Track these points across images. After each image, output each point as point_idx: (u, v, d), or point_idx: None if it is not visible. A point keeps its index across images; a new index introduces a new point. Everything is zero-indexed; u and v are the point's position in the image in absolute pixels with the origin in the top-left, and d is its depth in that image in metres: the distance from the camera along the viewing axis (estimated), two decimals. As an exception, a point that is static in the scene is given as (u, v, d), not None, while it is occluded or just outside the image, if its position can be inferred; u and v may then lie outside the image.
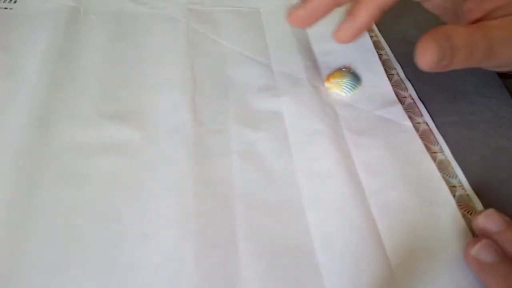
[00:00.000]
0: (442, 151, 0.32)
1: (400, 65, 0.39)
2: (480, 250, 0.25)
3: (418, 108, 0.35)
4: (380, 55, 0.39)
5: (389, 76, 0.37)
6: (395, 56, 0.40)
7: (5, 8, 0.40)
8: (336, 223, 0.27)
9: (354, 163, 0.30)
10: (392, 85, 0.36)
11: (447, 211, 0.28)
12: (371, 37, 0.41)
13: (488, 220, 0.26)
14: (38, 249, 0.25)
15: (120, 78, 0.35)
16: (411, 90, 0.36)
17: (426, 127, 0.33)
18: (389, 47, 0.40)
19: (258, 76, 0.36)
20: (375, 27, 0.43)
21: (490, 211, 0.26)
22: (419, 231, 0.27)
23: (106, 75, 0.35)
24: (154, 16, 0.41)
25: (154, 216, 0.27)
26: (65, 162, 0.29)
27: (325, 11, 0.29)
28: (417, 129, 0.33)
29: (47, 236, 0.25)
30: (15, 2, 0.41)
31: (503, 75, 0.38)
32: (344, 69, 0.37)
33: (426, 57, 0.25)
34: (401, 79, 0.37)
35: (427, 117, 0.34)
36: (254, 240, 0.26)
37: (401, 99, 0.35)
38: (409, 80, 0.37)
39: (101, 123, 0.31)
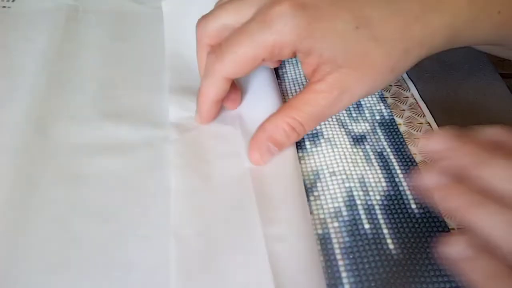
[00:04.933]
0: (444, 151, 0.31)
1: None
2: (453, 246, 0.21)
3: (420, 108, 0.35)
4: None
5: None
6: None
7: (4, 6, 0.40)
8: None
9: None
10: (394, 85, 0.36)
11: None
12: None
13: (434, 141, 0.21)
14: (37, 249, 0.24)
15: (120, 78, 0.35)
16: (413, 90, 0.36)
17: (428, 127, 0.33)
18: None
19: (257, 76, 0.36)
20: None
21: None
22: None
23: (105, 74, 0.35)
24: (154, 16, 0.41)
25: (154, 216, 0.26)
26: (64, 162, 0.29)
27: (217, 109, 0.31)
28: (419, 129, 0.33)
29: (46, 236, 0.25)
30: (13, 0, 0.40)
31: (505, 76, 0.38)
32: None
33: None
34: (403, 79, 0.37)
35: (429, 117, 0.34)
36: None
37: (403, 99, 0.35)
38: (411, 80, 0.37)
39: (100, 123, 0.31)
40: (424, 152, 0.24)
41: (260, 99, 0.33)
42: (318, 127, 0.32)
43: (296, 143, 0.31)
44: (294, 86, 0.35)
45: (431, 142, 0.22)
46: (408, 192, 0.29)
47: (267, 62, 0.29)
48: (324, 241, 0.26)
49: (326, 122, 0.32)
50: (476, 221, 0.19)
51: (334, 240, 0.26)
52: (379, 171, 0.30)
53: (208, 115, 0.31)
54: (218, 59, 0.28)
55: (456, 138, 0.21)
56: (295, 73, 0.36)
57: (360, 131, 0.32)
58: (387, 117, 0.33)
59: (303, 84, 0.35)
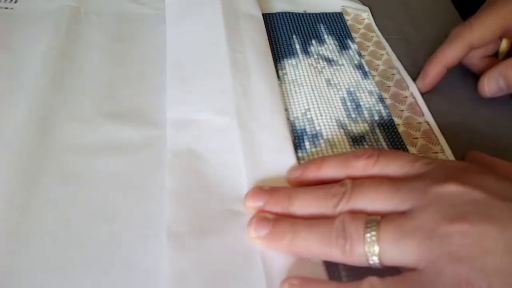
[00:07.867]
0: (443, 151, 0.32)
1: (402, 64, 0.38)
2: (256, 227, 0.25)
3: (419, 107, 0.35)
4: (381, 55, 0.39)
5: (390, 76, 0.37)
6: (395, 55, 0.39)
7: (6, 8, 0.40)
8: None
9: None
10: (393, 85, 0.36)
11: None
12: (372, 37, 0.41)
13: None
14: (38, 248, 0.25)
15: (121, 78, 0.35)
16: (413, 89, 0.36)
17: (428, 127, 0.33)
18: (390, 47, 0.40)
19: (256, 76, 0.36)
20: (375, 27, 0.43)
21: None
22: None
23: (106, 75, 0.35)
24: (155, 17, 0.41)
25: (154, 216, 0.26)
26: (65, 162, 0.29)
27: (442, 77, 0.35)
28: (418, 129, 0.33)
29: (46, 236, 0.25)
30: (15, 2, 0.41)
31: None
32: None
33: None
34: (402, 78, 0.37)
35: (428, 117, 0.34)
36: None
37: (402, 99, 0.35)
38: (411, 78, 0.37)
39: (101, 123, 0.31)
40: (248, 207, 0.27)
41: (258, 96, 0.33)
42: (317, 128, 0.32)
43: (296, 143, 0.31)
44: (294, 87, 0.35)
45: (247, 202, 0.26)
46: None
47: None
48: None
49: (326, 123, 0.32)
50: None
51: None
52: (378, 171, 0.30)
53: (434, 80, 0.35)
54: (466, 27, 0.34)
55: (265, 193, 0.26)
56: (295, 74, 0.36)
57: (359, 131, 0.32)
58: (386, 118, 0.34)
59: (302, 85, 0.35)
